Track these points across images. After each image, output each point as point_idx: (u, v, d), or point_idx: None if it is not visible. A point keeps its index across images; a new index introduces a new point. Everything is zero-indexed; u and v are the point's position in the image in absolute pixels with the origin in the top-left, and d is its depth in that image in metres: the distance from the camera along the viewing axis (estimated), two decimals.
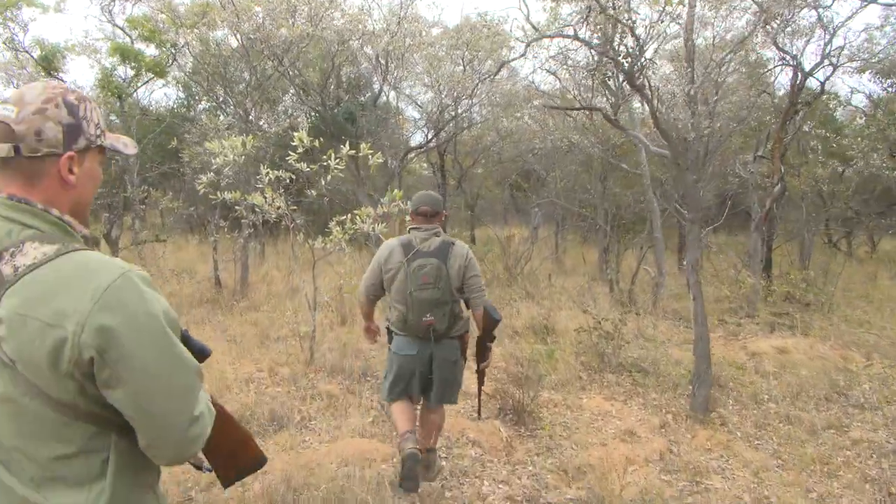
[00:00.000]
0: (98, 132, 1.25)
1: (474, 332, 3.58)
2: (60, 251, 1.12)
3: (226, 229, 10.35)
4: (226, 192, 6.43)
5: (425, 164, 25.77)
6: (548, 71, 11.61)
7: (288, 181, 6.05)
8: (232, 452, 1.38)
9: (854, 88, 14.90)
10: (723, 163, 13.67)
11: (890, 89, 17.08)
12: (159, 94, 35.96)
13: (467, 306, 3.57)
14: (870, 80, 17.47)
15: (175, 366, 1.17)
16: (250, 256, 12.00)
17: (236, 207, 7.10)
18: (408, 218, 3.69)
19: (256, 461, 1.43)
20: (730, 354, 7.11)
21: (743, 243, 15.39)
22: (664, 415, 5.04)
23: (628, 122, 10.59)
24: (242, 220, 9.49)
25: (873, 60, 13.03)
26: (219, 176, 6.28)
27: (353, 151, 4.93)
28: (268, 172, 5.41)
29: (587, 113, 10.20)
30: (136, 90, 11.85)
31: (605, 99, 13.19)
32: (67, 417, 1.12)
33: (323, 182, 5.17)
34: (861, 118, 15.71)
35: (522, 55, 5.10)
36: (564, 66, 9.17)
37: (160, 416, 1.14)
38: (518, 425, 4.80)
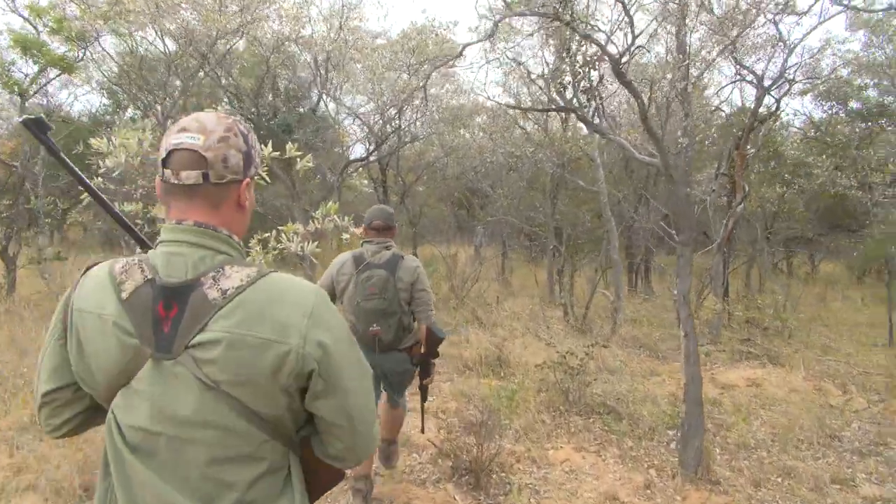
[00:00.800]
0: (258, 160, 1.29)
1: None
2: (260, 273, 1.17)
3: (137, 248, 9.21)
4: (125, 204, 5.45)
5: (366, 180, 24.94)
6: (499, 82, 11.06)
7: None
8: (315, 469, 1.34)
9: (797, 111, 14.95)
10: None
11: (830, 111, 17.27)
12: (84, 102, 33.85)
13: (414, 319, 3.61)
14: (811, 103, 17.62)
15: (363, 372, 1.26)
16: None
17: (137, 222, 6.05)
18: (353, 232, 3.81)
19: (339, 476, 1.40)
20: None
21: (698, 265, 15.12)
22: (647, 470, 4.29)
23: (584, 136, 10.01)
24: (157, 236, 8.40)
25: (818, 81, 12.96)
26: (108, 181, 5.25)
27: (278, 154, 4.04)
28: None
29: (541, 125, 9.57)
30: (40, 88, 10.57)
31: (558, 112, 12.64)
32: (267, 435, 1.17)
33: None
34: (801, 140, 15.70)
35: (490, 37, 4.32)
36: (518, 75, 8.49)
37: (359, 420, 1.23)
38: (476, 490, 3.96)
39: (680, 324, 3.94)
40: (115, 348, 1.14)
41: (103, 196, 1.39)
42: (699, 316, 9.23)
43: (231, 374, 1.11)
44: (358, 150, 20.27)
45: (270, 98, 19.53)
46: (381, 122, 18.76)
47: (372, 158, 19.21)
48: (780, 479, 4.21)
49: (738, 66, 10.08)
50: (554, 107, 4.52)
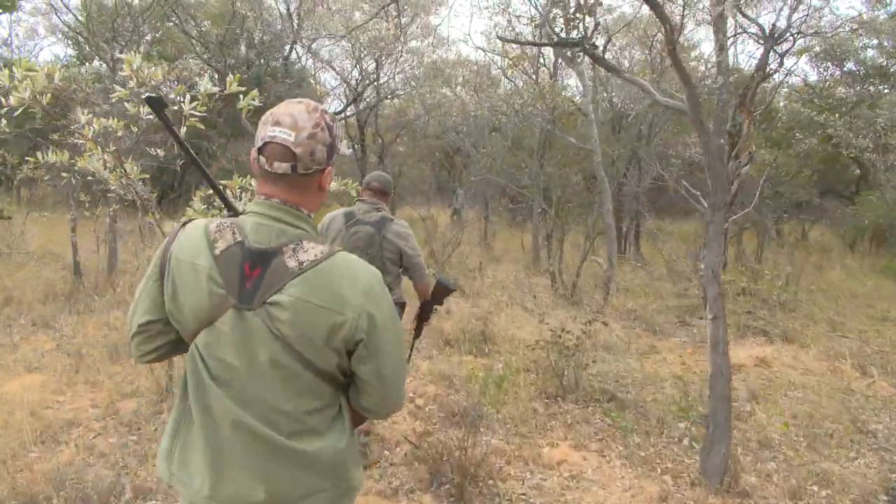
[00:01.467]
0: (340, 144, 1.47)
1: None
2: (331, 252, 1.36)
3: (86, 204, 8.32)
4: (50, 154, 4.61)
5: (345, 140, 23.83)
6: (484, 32, 10.13)
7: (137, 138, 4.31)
8: None
9: (790, 70, 14.23)
10: (665, 145, 12.57)
11: (826, 72, 16.57)
12: (48, 54, 32.01)
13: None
14: (807, 64, 16.92)
15: (401, 345, 1.47)
16: (123, 238, 9.96)
17: (63, 175, 5.23)
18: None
19: (362, 420, 1.60)
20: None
21: (687, 231, 14.47)
22: (660, 477, 3.63)
23: (571, 89, 9.18)
24: (108, 193, 7.53)
25: (825, 34, 12.21)
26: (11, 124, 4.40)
27: (217, 90, 3.23)
28: (89, 120, 3.61)
29: (532, 76, 8.72)
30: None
31: (543, 59, 11.75)
32: (322, 380, 1.39)
33: (180, 135, 3.42)
34: (799, 101, 15.00)
35: None
36: (506, 21, 7.62)
37: (391, 382, 1.45)
38: (460, 503, 3.27)
39: (706, 304, 3.23)
40: (205, 294, 1.34)
41: (208, 173, 1.57)
42: (695, 286, 8.60)
43: (296, 332, 1.32)
44: (335, 107, 19.20)
45: (243, 50, 18.37)
46: (358, 76, 17.74)
47: (348, 113, 18.20)
48: (817, 488, 3.57)
49: (742, 17, 9.31)
50: (557, 41, 3.71)
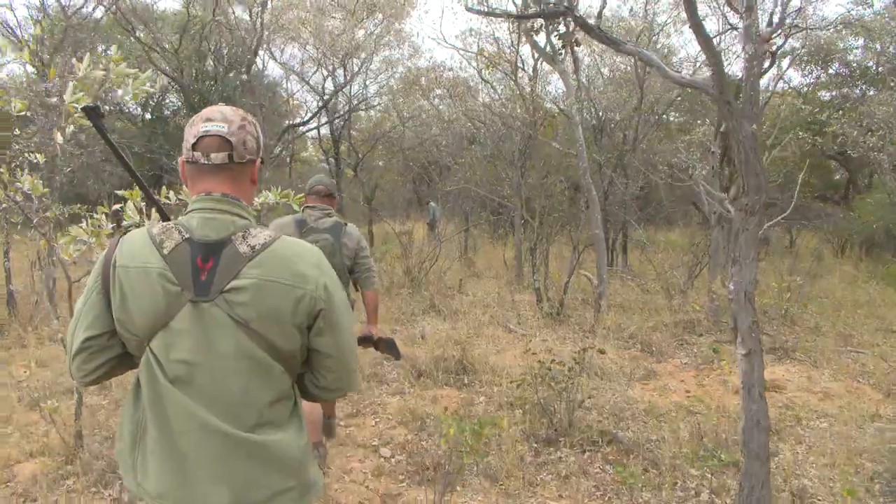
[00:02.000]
0: (262, 146, 1.52)
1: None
2: (276, 235, 1.40)
3: (18, 226, 7.50)
4: None
5: (320, 154, 23.09)
6: (459, 35, 9.51)
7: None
8: None
9: (783, 69, 13.83)
10: (649, 149, 11.98)
11: (809, 75, 16.15)
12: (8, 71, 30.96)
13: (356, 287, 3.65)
14: (793, 70, 16.49)
15: (349, 312, 1.50)
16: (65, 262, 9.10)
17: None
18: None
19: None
20: (715, 395, 5.16)
21: (674, 241, 13.87)
22: None
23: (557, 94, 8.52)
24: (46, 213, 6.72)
25: (819, 27, 11.73)
26: None
27: (98, 69, 2.50)
28: None
29: (512, 82, 8.06)
30: None
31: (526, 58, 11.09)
32: (283, 367, 1.39)
33: (60, 140, 2.67)
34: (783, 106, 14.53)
35: None
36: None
37: (348, 354, 1.47)
38: None
39: (738, 337, 2.53)
40: (159, 294, 1.33)
41: (147, 186, 1.70)
42: (693, 301, 7.94)
43: (258, 313, 1.33)
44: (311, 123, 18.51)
45: (212, 65, 17.59)
46: (331, 86, 17.03)
47: (319, 123, 17.48)
48: None
49: (730, 12, 8.76)
50: (546, 10, 3.02)
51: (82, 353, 1.41)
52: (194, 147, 1.39)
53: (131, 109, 17.87)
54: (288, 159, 21.16)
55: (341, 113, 17.44)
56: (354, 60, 15.03)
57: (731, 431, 4.12)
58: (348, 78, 15.19)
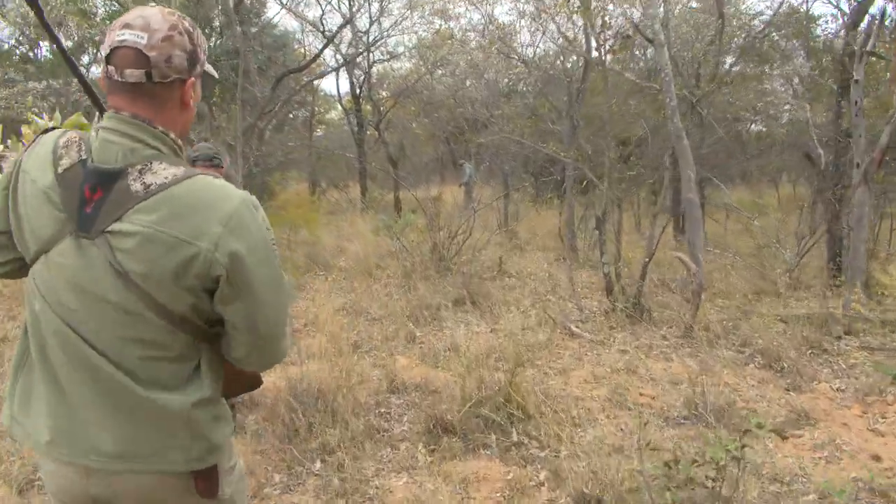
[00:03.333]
0: (204, 58, 1.27)
1: None
2: (187, 174, 1.16)
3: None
4: None
5: (339, 111, 21.00)
6: None
7: None
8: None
9: None
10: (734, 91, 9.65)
11: None
12: None
13: None
14: None
15: (280, 287, 1.26)
16: None
17: None
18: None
19: (257, 382, 1.48)
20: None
21: (749, 202, 11.56)
22: None
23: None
24: None
25: None
26: None
27: None
28: None
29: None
30: None
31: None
32: (174, 326, 1.18)
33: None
34: None
35: None
36: None
37: (264, 329, 1.24)
38: None
39: None
40: (45, 216, 1.17)
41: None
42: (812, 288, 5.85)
43: (140, 267, 1.13)
44: (329, 83, 16.42)
45: (217, 19, 15.61)
46: (349, 35, 14.87)
47: (334, 71, 15.31)
48: None
49: None
50: None
51: None
52: (108, 60, 1.17)
53: None
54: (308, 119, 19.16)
55: (361, 65, 15.36)
56: None
57: None
58: (355, 9, 13.03)
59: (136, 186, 1.13)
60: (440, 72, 14.65)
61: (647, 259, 5.63)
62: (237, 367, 1.32)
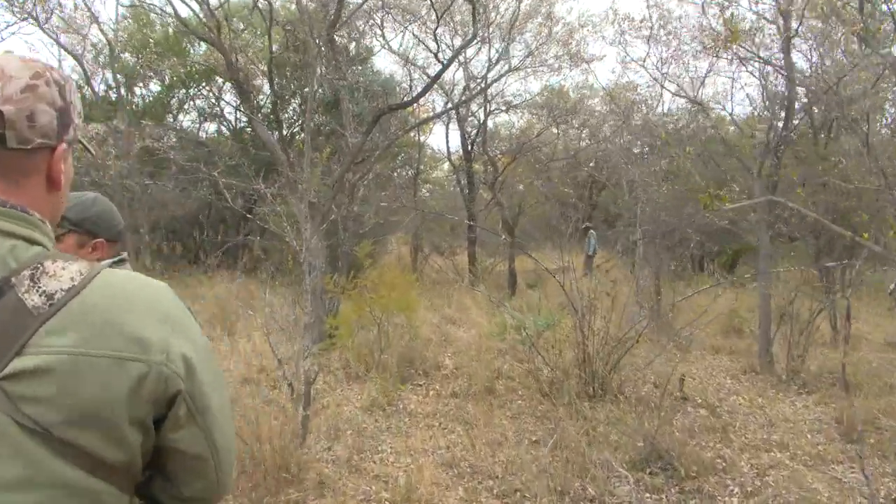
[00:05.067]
0: (80, 122, 0.93)
1: None
2: (94, 269, 0.82)
3: None
4: None
5: (446, 170, 19.14)
6: None
7: None
8: None
9: None
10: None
11: None
12: None
13: None
14: None
15: (223, 384, 0.94)
16: None
17: None
18: None
19: None
20: None
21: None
22: None
23: None
24: None
25: None
26: None
27: None
28: None
29: None
30: None
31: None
32: (113, 486, 0.81)
33: None
34: None
35: None
36: None
37: (224, 451, 0.92)
38: None
39: None
40: None
41: None
42: None
43: (69, 413, 0.76)
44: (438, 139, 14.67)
45: (319, 71, 14.33)
46: (462, 78, 12.98)
47: (444, 115, 13.37)
48: None
49: None
50: None
51: None
52: None
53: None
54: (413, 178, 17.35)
55: (475, 114, 13.47)
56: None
57: None
58: (479, 25, 11.17)
59: (35, 300, 0.76)
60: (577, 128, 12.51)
61: None
62: None
